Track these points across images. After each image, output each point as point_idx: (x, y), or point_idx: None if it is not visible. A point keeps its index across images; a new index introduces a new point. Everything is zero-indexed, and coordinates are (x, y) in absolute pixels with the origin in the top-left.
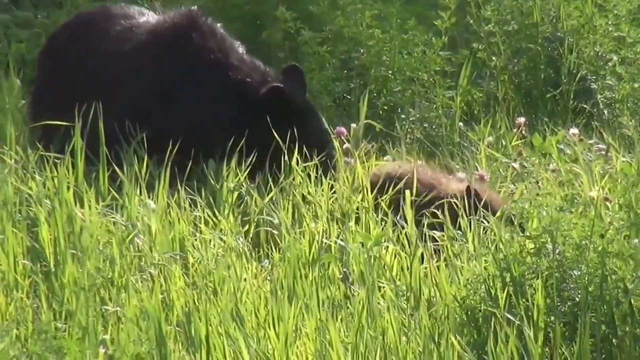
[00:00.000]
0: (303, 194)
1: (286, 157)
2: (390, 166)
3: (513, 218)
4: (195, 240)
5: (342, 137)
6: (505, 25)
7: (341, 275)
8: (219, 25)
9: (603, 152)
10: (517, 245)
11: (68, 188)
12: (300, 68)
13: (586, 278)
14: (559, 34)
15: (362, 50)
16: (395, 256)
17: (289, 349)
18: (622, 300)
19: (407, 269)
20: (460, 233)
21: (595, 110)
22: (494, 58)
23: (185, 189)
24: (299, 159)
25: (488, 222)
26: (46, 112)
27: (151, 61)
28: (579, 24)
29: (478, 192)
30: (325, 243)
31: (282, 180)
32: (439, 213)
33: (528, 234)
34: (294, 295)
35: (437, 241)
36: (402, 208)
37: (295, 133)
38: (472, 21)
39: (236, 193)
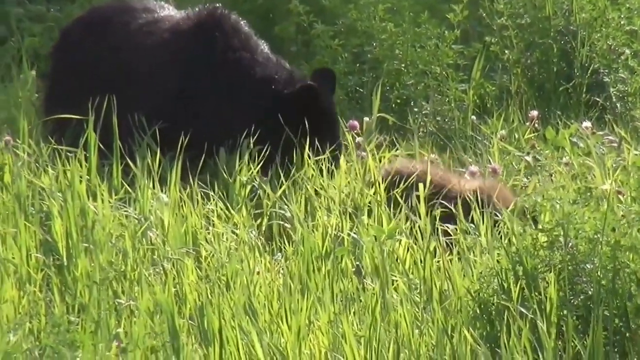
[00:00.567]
0: (315, 188)
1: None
2: (400, 162)
3: (526, 211)
4: (208, 233)
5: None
6: (518, 19)
7: (354, 269)
8: (243, 22)
9: (616, 145)
10: (530, 239)
11: (80, 181)
12: (333, 71)
13: (599, 271)
14: (571, 27)
15: (374, 44)
16: (408, 249)
17: (302, 342)
18: (634, 293)
19: (420, 262)
20: (473, 226)
21: (607, 103)
22: (506, 51)
23: (198, 183)
24: (310, 153)
25: (500, 216)
26: (59, 106)
27: (174, 58)
28: (592, 17)
29: (490, 195)
30: (338, 236)
31: (293, 173)
32: (451, 206)
33: (541, 227)
34: (307, 288)
35: (450, 235)
36: (411, 204)
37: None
38: (484, 14)
39: (249, 186)
